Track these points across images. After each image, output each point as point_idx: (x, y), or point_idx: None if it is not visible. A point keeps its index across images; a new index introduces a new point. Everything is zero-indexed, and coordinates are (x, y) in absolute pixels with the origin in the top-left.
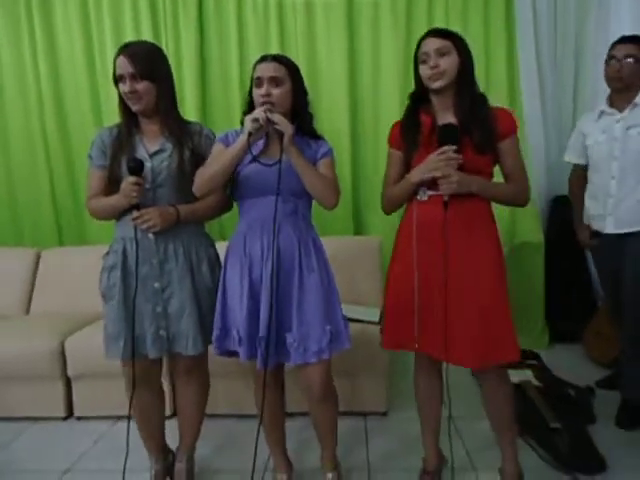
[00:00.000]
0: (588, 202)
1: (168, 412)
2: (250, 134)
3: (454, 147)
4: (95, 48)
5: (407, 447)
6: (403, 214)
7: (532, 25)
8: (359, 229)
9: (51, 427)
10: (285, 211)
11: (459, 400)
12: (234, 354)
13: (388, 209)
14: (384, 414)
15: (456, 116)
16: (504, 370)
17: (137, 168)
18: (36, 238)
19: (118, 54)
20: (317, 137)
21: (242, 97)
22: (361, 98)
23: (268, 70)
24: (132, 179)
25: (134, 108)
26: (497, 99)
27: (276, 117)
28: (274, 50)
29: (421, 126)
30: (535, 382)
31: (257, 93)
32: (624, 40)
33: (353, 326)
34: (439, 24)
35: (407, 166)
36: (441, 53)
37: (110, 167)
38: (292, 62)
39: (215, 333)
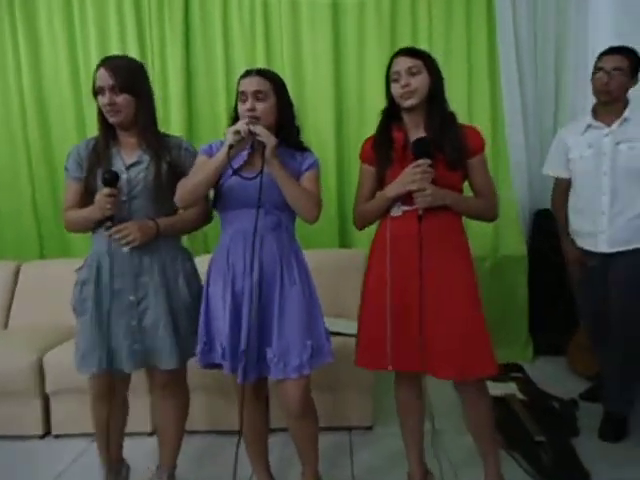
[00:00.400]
0: (572, 217)
1: (148, 430)
2: (231, 146)
3: (429, 161)
4: (80, 60)
5: (392, 461)
6: (377, 230)
7: (512, 34)
8: (344, 242)
9: (28, 445)
10: (268, 224)
11: (442, 414)
12: (218, 366)
13: (360, 225)
14: (369, 428)
15: (427, 133)
16: (483, 383)
17: (112, 180)
18: (17, 250)
19: (99, 67)
20: (303, 149)
21: (228, 110)
22: (346, 110)
23: (252, 84)
24: (106, 191)
25: (112, 120)
26: (479, 113)
27: (258, 129)
28: (260, 61)
29: (394, 142)
30: (519, 395)
31: (242, 108)
32: (611, 51)
33: (337, 339)
34: (422, 26)
35: (380, 182)
36: (412, 72)
37: (86, 179)
38: (277, 76)
39: (199, 346)
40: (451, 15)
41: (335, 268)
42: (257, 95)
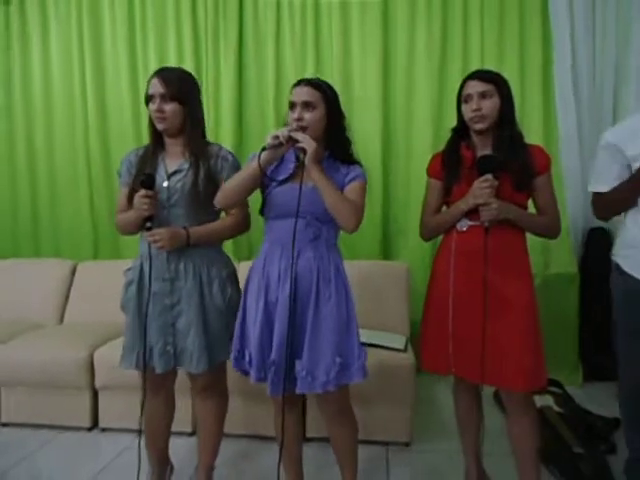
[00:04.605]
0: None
1: (189, 429)
2: (263, 149)
3: (489, 176)
4: (140, 72)
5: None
6: (441, 243)
7: (570, 49)
8: (387, 254)
9: (76, 437)
10: (307, 235)
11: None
12: (249, 374)
13: (428, 236)
14: (407, 444)
15: (495, 153)
16: (530, 397)
17: (147, 181)
18: (74, 250)
19: (153, 76)
20: (351, 163)
21: (277, 120)
22: (394, 123)
23: (301, 95)
24: (142, 192)
25: (159, 126)
26: (532, 128)
27: (299, 135)
28: (310, 72)
29: (462, 160)
30: (556, 408)
31: (290, 117)
32: None
33: (377, 352)
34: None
35: (446, 197)
36: (483, 96)
37: (132, 184)
38: (328, 86)
39: (234, 353)
40: (503, 35)
41: (378, 280)
42: (306, 105)
